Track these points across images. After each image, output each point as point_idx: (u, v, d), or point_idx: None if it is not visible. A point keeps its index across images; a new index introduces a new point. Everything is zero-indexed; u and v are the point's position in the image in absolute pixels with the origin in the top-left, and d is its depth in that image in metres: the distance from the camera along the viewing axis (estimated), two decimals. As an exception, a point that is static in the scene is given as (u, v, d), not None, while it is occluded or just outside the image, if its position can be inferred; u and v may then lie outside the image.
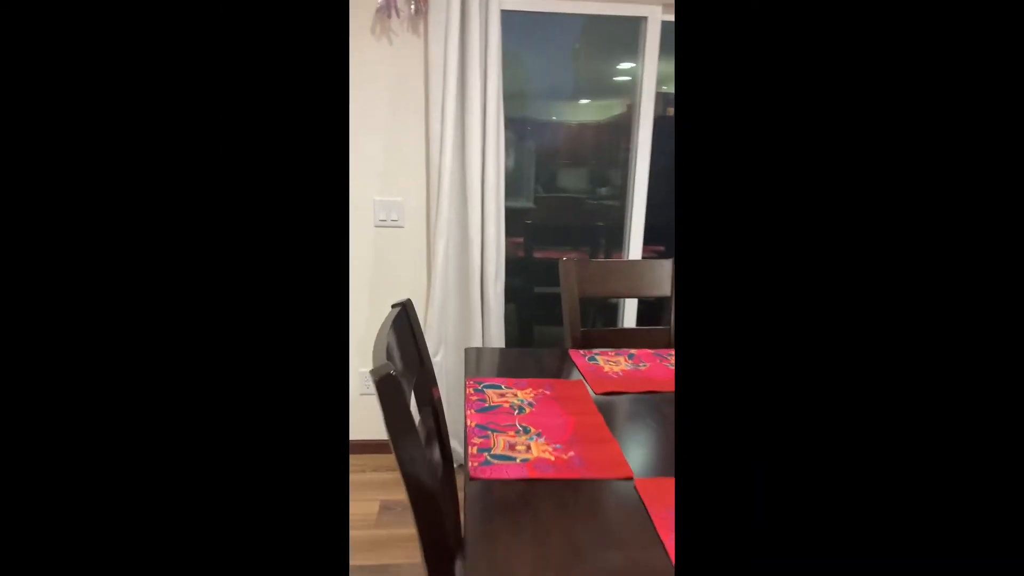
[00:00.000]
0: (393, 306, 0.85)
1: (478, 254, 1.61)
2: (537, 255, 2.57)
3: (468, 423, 0.85)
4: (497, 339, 1.69)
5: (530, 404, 0.93)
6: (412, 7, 1.51)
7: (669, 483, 0.71)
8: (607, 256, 2.53)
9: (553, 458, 0.76)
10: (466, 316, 1.66)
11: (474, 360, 1.14)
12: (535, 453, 0.77)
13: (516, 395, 0.96)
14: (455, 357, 1.70)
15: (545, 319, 2.67)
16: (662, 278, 1.43)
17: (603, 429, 0.85)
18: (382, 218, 1.68)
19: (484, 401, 0.93)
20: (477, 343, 1.66)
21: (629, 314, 1.96)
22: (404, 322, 0.84)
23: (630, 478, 0.72)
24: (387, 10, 1.50)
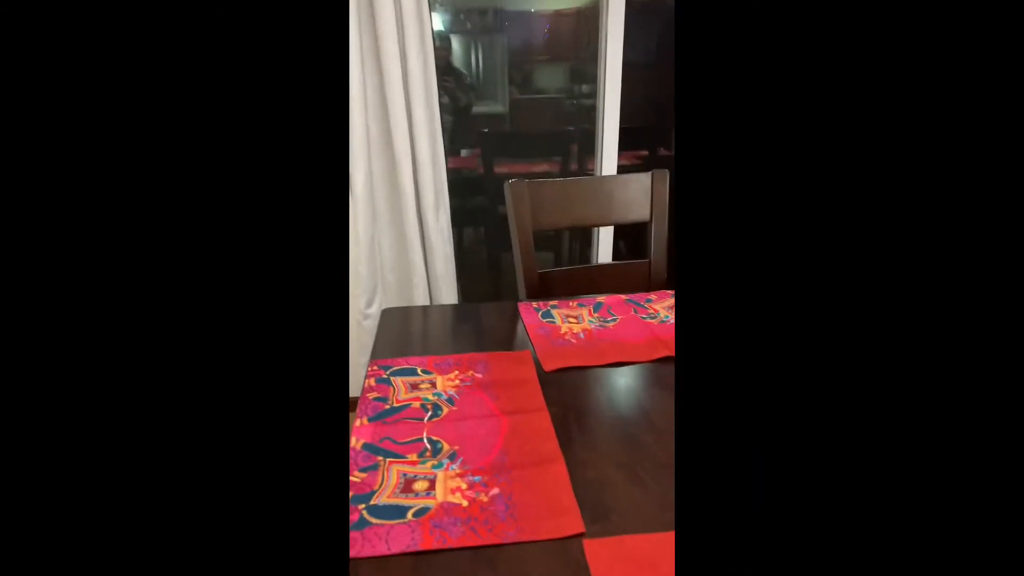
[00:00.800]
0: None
1: (410, 178, 1.28)
2: (500, 170, 2.21)
3: (353, 443, 0.59)
4: (446, 280, 1.41)
5: (450, 399, 0.67)
6: None
7: (636, 544, 0.46)
8: (582, 168, 2.18)
9: (466, 503, 0.51)
10: (404, 256, 1.36)
11: (390, 328, 0.87)
12: (440, 495, 0.52)
13: (435, 385, 0.70)
14: (396, 306, 1.43)
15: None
16: (637, 198, 1.12)
17: (548, 437, 0.60)
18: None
19: (385, 401, 0.67)
20: (421, 289, 1.38)
21: (605, 245, 1.67)
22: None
23: (579, 535, 0.47)
24: None
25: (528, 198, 1.05)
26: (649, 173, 1.11)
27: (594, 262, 1.74)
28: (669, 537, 0.46)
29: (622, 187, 1.12)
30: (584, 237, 1.93)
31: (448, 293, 1.43)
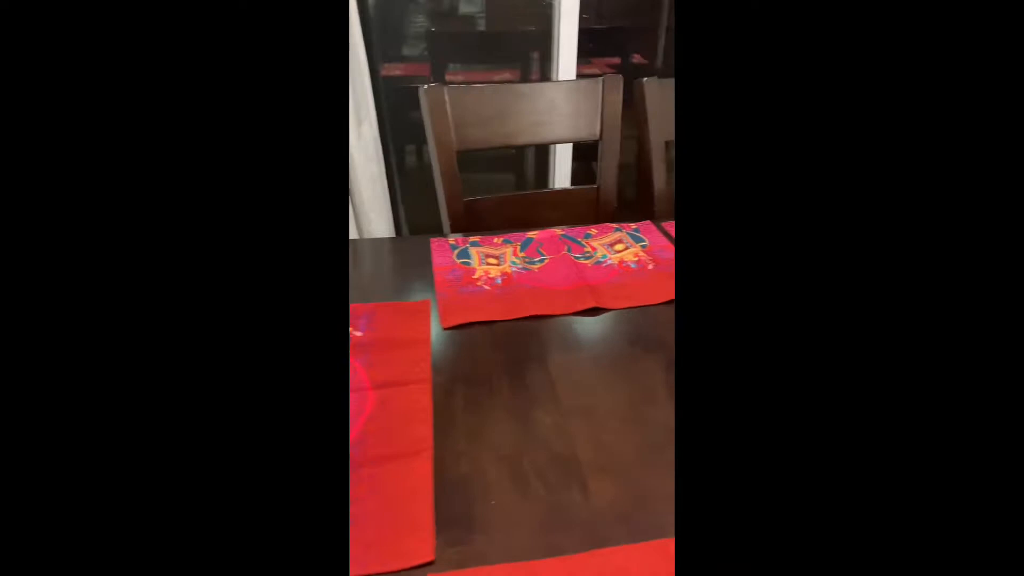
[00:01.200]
0: None
1: (321, 85, 1.07)
2: (455, 79, 1.96)
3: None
4: (376, 207, 1.24)
5: (312, 368, 0.53)
6: None
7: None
8: (544, 77, 1.94)
9: (289, 518, 0.39)
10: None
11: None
12: (256, 508, 0.39)
13: (299, 346, 0.56)
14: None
15: (477, 165, 2.14)
16: (586, 110, 0.94)
17: (422, 419, 0.47)
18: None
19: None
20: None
21: (562, 167, 1.49)
22: None
23: (424, 566, 0.36)
24: None
25: (449, 108, 0.87)
26: (599, 79, 0.92)
27: (552, 187, 1.57)
28: (538, 567, 0.35)
29: (568, 96, 0.93)
30: (543, 157, 1.73)
31: (381, 223, 1.27)
